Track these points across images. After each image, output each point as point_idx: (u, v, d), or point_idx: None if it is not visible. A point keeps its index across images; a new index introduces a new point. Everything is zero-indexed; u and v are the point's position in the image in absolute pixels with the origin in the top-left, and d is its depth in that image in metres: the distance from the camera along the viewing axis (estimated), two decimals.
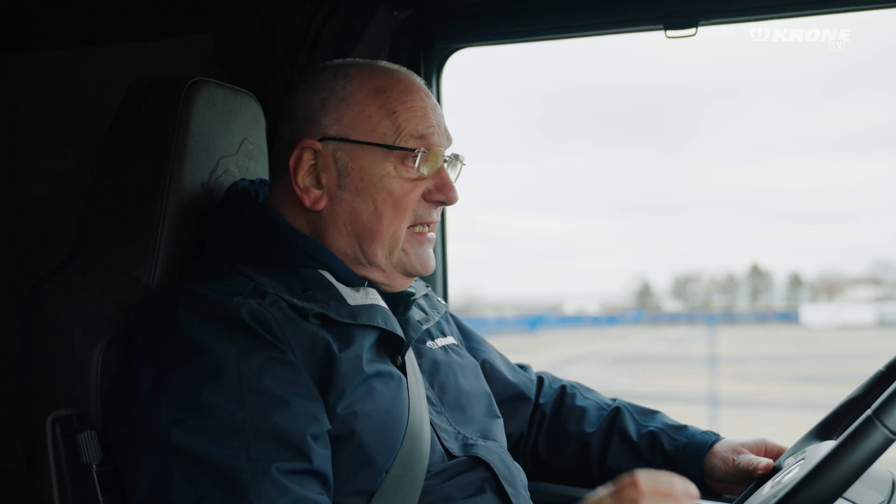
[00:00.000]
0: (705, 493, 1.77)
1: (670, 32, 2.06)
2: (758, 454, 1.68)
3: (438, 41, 2.28)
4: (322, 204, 1.51)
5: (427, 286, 1.74)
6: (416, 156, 1.49)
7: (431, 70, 2.32)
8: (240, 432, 1.23)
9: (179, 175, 1.56)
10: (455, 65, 2.35)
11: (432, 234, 1.56)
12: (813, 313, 46.03)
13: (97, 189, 1.61)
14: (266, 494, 1.19)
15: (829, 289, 63.68)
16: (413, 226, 1.52)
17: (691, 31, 2.05)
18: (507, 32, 2.25)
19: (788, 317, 47.27)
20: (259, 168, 1.75)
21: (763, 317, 48.81)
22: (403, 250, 1.51)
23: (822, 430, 1.63)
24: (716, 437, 1.76)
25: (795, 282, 64.67)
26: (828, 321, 41.43)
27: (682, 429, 1.80)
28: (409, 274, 1.55)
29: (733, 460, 1.68)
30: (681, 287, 67.02)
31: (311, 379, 1.33)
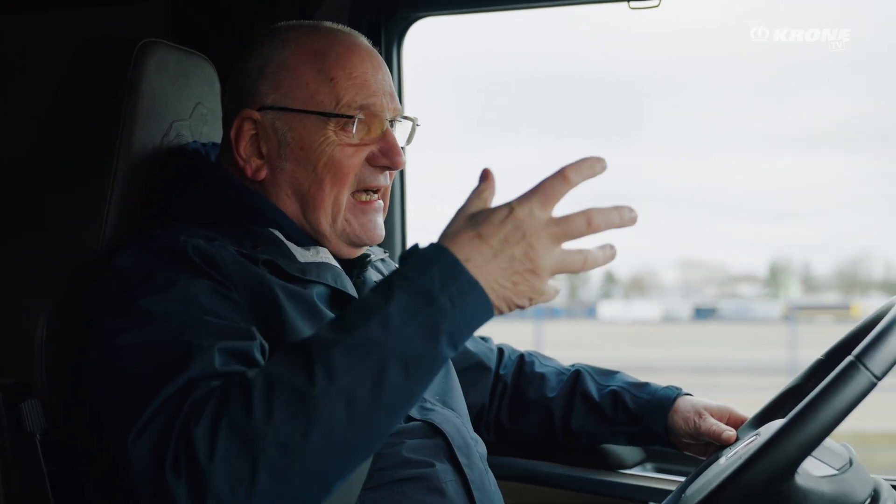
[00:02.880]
0: (670, 449, 1.78)
1: (633, 3, 2.04)
2: (720, 421, 1.67)
3: (400, 8, 2.23)
4: (263, 174, 1.48)
5: (385, 252, 1.71)
6: (354, 122, 1.44)
7: (392, 39, 2.28)
8: (183, 331, 1.19)
9: (130, 139, 1.52)
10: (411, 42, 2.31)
11: (380, 203, 1.52)
12: (607, 309, 48.56)
13: (43, 155, 1.57)
14: (207, 362, 1.14)
15: (639, 286, 66.89)
16: (357, 192, 1.48)
17: (654, 2, 2.03)
18: (470, 0, 2.21)
19: (590, 312, 49.48)
20: (213, 133, 1.70)
21: (586, 312, 50.81)
22: (346, 220, 1.47)
23: (760, 421, 1.61)
24: (678, 392, 1.75)
25: (609, 279, 68.03)
26: (619, 316, 43.18)
27: (643, 385, 1.79)
28: (355, 244, 1.51)
29: (695, 422, 1.68)
30: None
31: (256, 324, 1.28)
